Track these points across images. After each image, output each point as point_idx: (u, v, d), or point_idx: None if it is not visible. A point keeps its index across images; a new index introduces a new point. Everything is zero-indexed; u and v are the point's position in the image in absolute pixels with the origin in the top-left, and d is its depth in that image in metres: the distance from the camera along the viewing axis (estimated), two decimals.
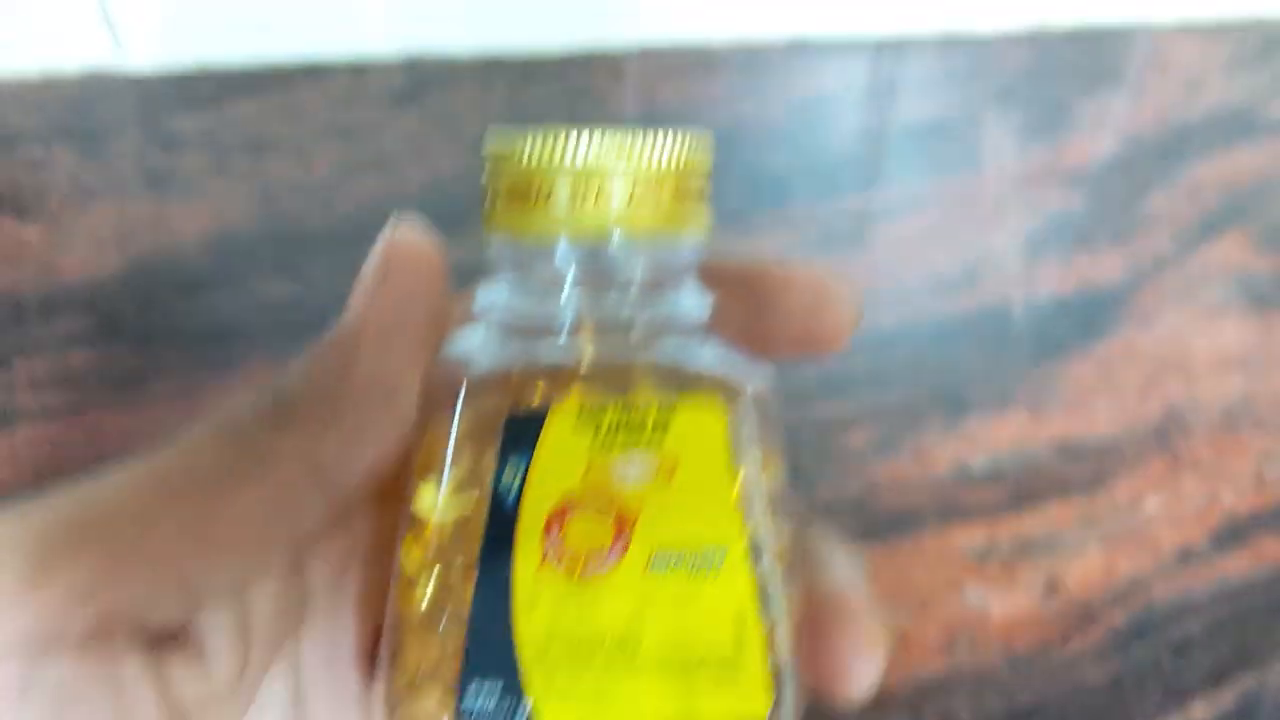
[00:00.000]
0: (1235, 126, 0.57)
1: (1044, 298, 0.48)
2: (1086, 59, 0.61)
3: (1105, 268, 0.49)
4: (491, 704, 0.22)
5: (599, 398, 0.21)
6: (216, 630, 0.22)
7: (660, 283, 0.22)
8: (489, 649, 0.22)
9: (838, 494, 0.39)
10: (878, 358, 0.45)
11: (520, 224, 0.21)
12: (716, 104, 0.59)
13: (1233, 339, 0.46)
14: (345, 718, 0.25)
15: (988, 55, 0.61)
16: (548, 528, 0.21)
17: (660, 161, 0.20)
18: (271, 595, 0.24)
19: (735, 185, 0.54)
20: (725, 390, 0.21)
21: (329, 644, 0.25)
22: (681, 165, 0.21)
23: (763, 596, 0.21)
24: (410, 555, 0.22)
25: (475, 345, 0.22)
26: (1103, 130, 0.56)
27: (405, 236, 0.21)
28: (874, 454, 0.41)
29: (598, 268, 0.21)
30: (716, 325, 0.24)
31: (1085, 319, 0.47)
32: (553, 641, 0.22)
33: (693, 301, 0.22)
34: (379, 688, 0.23)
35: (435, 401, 0.21)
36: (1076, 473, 0.41)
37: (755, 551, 0.21)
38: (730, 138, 0.57)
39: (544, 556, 0.21)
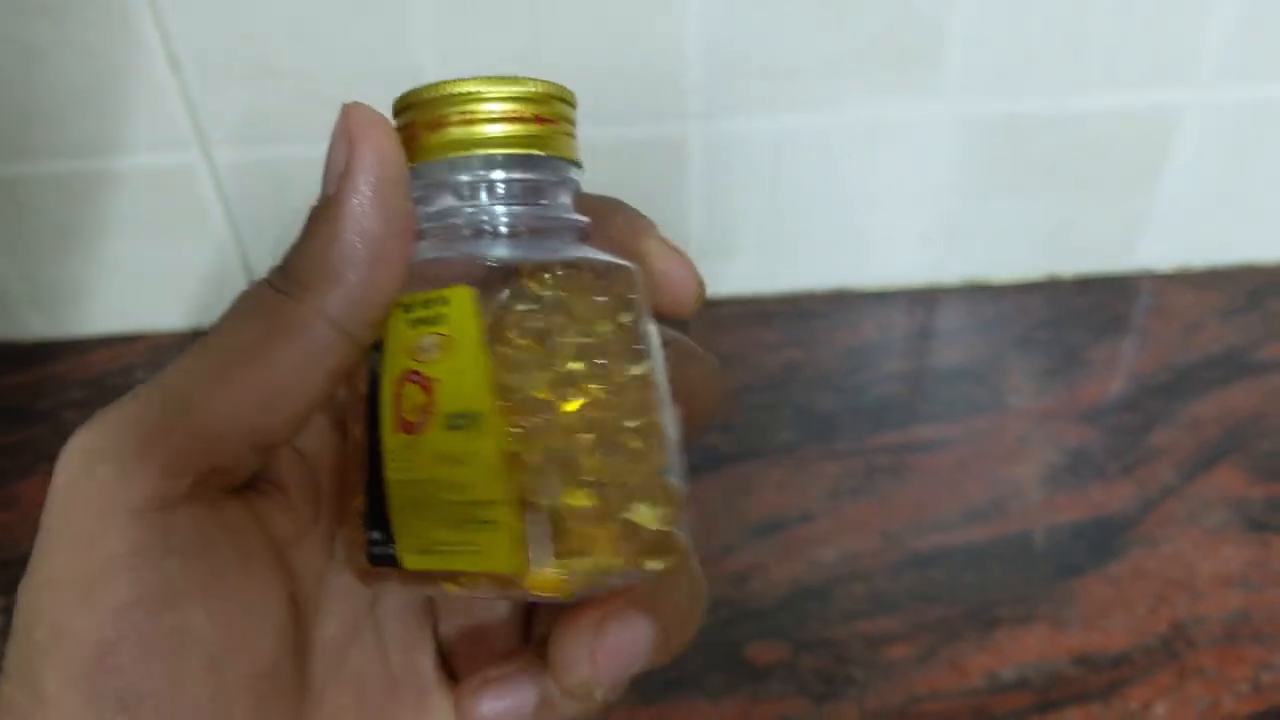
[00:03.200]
0: (1229, 367, 0.62)
1: (1063, 524, 0.52)
2: (1095, 307, 0.67)
3: (1116, 496, 0.54)
4: (382, 547, 0.24)
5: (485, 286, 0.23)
6: (292, 479, 0.26)
7: (531, 194, 0.24)
8: (375, 501, 0.24)
9: (883, 702, 0.44)
10: (917, 579, 0.50)
11: (418, 151, 0.23)
12: (769, 350, 0.65)
13: (1232, 559, 0.50)
14: None
15: (1008, 304, 0.68)
16: (394, 397, 0.23)
17: (524, 95, 0.23)
18: (329, 457, 0.27)
19: (786, 423, 0.59)
20: (479, 278, 0.23)
21: None
22: (544, 98, 0.23)
23: (511, 459, 0.22)
24: (350, 424, 0.25)
25: None
26: (1112, 373, 0.62)
27: (360, 110, 0.23)
28: (915, 666, 0.46)
29: (482, 181, 0.24)
30: None
31: (1099, 543, 0.51)
32: (400, 492, 0.24)
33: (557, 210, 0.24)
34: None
35: None
36: (1094, 681, 0.45)
37: (506, 417, 0.22)
38: (782, 380, 0.63)
39: (394, 421, 0.23)
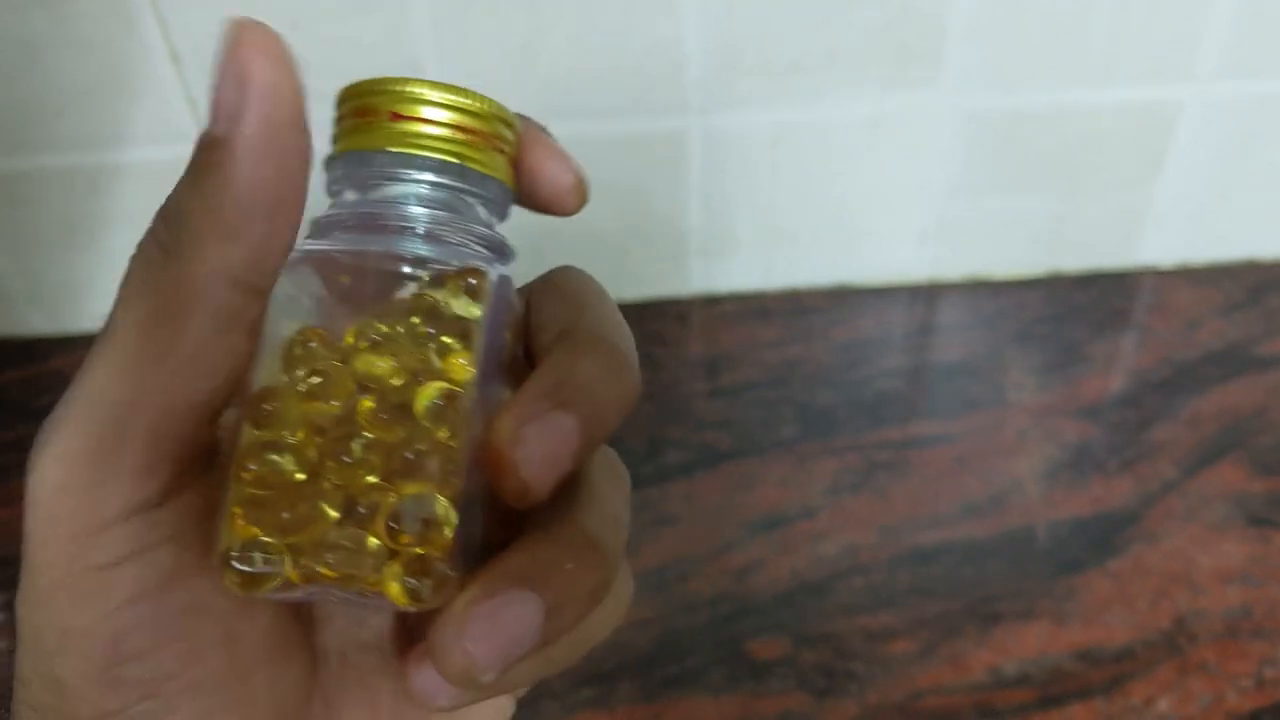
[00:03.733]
0: (1230, 363, 0.62)
1: (1063, 519, 0.52)
2: (1095, 303, 0.67)
3: (1117, 492, 0.54)
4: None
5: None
6: None
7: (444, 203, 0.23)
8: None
9: (884, 698, 0.44)
10: (918, 575, 0.50)
11: (344, 142, 0.23)
12: (769, 347, 0.65)
13: (1233, 554, 0.50)
14: None
15: (1008, 300, 0.68)
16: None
17: (468, 108, 0.23)
18: None
19: (786, 419, 0.59)
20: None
21: None
22: (487, 116, 0.23)
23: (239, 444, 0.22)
24: None
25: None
26: (1112, 368, 0.62)
27: (253, 34, 0.20)
28: (916, 661, 0.46)
29: (410, 180, 0.23)
30: None
31: (1100, 538, 0.51)
32: None
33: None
34: None
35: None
36: (1096, 676, 0.45)
37: (246, 405, 0.22)
38: (782, 377, 0.63)
39: None
